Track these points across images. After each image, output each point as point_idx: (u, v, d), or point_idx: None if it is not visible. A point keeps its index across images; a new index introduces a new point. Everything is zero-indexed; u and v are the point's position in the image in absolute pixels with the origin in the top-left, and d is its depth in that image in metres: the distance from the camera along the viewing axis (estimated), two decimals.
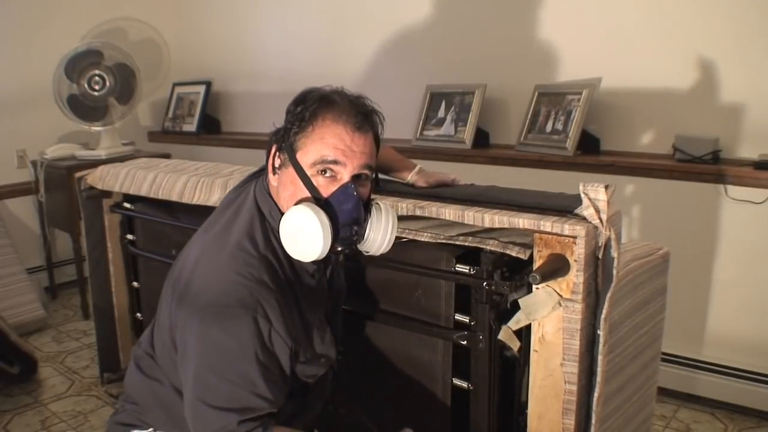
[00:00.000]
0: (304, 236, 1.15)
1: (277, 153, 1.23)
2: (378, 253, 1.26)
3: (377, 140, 1.26)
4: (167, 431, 1.35)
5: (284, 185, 1.22)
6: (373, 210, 1.24)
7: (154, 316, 1.37)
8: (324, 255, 1.17)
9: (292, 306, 1.22)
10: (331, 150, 1.17)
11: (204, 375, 1.16)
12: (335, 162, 1.17)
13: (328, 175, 1.18)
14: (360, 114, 1.20)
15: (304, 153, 1.19)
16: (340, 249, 1.21)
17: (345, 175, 1.18)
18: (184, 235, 1.90)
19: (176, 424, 1.31)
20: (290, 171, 1.20)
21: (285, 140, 1.21)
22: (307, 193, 1.18)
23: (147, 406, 1.37)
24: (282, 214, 1.20)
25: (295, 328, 1.22)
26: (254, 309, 1.15)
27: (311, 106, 1.20)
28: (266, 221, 1.23)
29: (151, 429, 1.37)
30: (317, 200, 1.18)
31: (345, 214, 1.18)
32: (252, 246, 1.20)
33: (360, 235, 1.22)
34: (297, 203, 1.18)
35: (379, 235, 1.23)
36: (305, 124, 1.19)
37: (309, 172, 1.19)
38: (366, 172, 1.21)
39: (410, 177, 1.58)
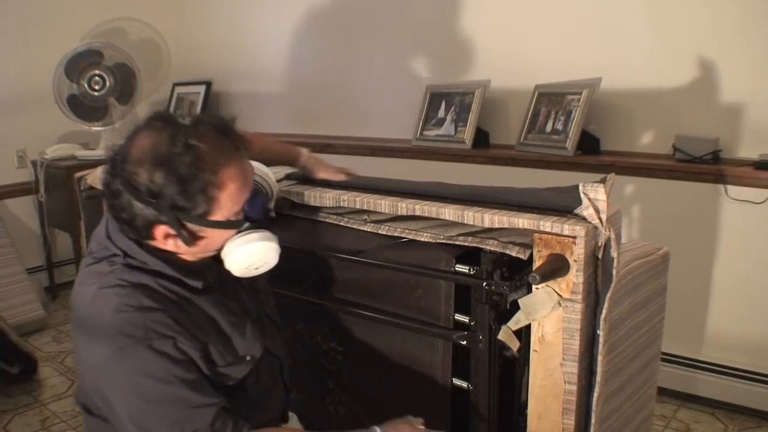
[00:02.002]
0: (270, 257, 1.22)
1: (170, 231, 1.12)
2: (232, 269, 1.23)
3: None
4: None
5: (190, 244, 1.15)
6: None
7: None
8: None
9: (191, 313, 1.17)
10: (240, 204, 1.15)
11: (138, 416, 1.11)
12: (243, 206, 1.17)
13: None
14: (244, 150, 1.14)
15: (216, 215, 1.13)
16: None
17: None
18: None
19: None
20: (195, 234, 1.14)
21: (182, 219, 1.11)
22: (231, 234, 1.18)
23: None
24: (156, 252, 1.16)
25: (204, 332, 1.17)
26: (146, 336, 1.09)
27: (208, 181, 1.09)
28: (129, 258, 1.17)
29: None
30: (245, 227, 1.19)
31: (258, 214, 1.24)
32: (121, 281, 1.14)
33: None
34: (237, 238, 1.18)
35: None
36: (207, 198, 1.10)
37: (227, 222, 1.16)
38: None
39: (302, 161, 1.62)
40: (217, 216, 1.13)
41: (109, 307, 1.11)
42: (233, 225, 1.16)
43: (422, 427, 1.29)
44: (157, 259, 1.16)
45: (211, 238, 1.16)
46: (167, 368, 1.10)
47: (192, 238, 1.14)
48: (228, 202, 1.12)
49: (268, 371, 1.36)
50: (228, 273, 1.23)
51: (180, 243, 1.14)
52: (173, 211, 1.09)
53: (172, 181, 1.07)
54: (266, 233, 1.21)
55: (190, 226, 1.12)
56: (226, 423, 1.13)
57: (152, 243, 1.15)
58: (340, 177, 1.62)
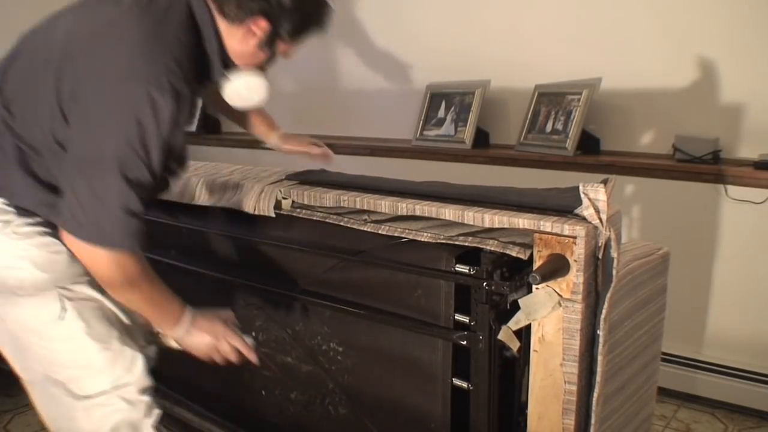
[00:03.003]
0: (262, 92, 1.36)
1: (260, 25, 1.24)
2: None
3: None
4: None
5: (261, 49, 1.28)
6: None
7: None
8: None
9: (188, 107, 1.25)
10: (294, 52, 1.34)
11: (118, 152, 1.14)
12: None
13: None
14: None
15: (283, 47, 1.29)
16: None
17: None
18: (184, 235, 1.90)
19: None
20: (272, 47, 1.28)
21: (278, 27, 1.25)
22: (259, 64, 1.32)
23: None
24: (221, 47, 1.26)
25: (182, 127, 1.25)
26: (179, 88, 1.17)
27: (317, 25, 1.30)
28: (197, 30, 1.24)
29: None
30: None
31: None
32: (180, 29, 1.22)
33: None
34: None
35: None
36: (305, 32, 1.29)
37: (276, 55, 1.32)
38: None
39: (273, 139, 1.82)
40: (282, 48, 1.29)
41: (166, 49, 1.18)
42: (273, 58, 1.32)
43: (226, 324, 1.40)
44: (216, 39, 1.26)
45: (268, 56, 1.31)
46: (169, 122, 1.16)
47: (267, 47, 1.28)
48: (299, 47, 1.31)
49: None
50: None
51: (255, 42, 1.26)
52: (285, 20, 1.24)
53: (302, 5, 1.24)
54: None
55: (272, 36, 1.26)
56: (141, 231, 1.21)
57: (235, 24, 1.24)
58: (314, 150, 1.80)
